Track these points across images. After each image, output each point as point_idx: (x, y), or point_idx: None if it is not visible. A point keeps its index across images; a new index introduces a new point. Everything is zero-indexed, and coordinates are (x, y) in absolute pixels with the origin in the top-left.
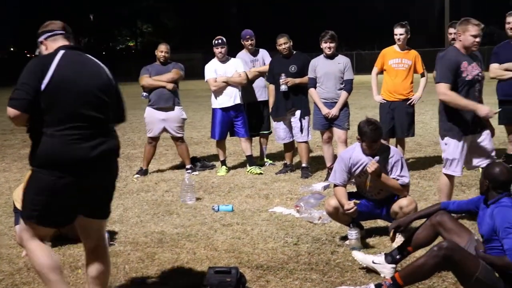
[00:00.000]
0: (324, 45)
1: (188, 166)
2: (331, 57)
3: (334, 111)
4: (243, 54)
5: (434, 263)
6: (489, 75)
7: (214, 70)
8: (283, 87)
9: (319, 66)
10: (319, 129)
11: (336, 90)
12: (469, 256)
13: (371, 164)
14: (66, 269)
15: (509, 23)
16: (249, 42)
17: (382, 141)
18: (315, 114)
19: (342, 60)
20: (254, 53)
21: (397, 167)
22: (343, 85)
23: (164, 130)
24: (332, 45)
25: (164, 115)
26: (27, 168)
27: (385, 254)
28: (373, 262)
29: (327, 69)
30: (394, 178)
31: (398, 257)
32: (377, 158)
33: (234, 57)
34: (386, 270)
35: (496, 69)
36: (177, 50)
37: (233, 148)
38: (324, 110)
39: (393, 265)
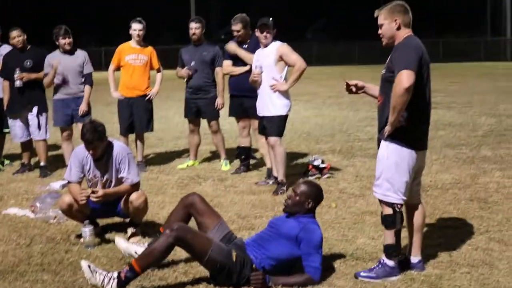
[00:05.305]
0: (62, 41)
1: None
2: (69, 52)
3: (83, 107)
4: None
5: (167, 244)
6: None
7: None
8: (18, 83)
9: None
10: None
11: (78, 85)
12: (200, 236)
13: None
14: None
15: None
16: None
17: (117, 141)
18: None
19: (80, 55)
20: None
21: (124, 164)
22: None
23: None
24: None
25: None
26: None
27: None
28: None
29: (67, 64)
30: (122, 178)
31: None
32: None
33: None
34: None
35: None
36: None
37: None
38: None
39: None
